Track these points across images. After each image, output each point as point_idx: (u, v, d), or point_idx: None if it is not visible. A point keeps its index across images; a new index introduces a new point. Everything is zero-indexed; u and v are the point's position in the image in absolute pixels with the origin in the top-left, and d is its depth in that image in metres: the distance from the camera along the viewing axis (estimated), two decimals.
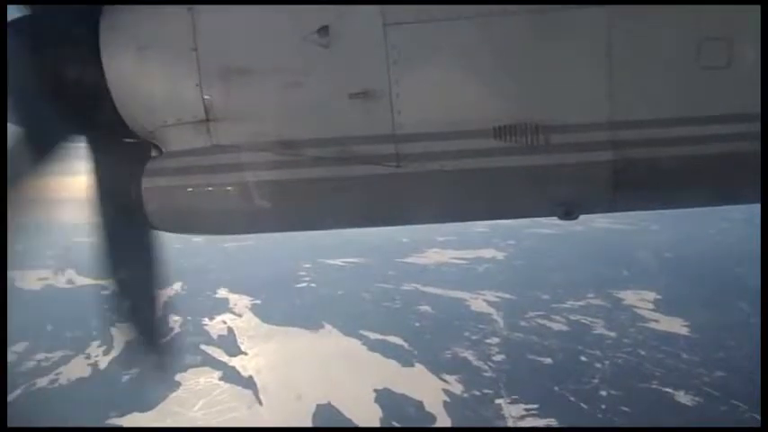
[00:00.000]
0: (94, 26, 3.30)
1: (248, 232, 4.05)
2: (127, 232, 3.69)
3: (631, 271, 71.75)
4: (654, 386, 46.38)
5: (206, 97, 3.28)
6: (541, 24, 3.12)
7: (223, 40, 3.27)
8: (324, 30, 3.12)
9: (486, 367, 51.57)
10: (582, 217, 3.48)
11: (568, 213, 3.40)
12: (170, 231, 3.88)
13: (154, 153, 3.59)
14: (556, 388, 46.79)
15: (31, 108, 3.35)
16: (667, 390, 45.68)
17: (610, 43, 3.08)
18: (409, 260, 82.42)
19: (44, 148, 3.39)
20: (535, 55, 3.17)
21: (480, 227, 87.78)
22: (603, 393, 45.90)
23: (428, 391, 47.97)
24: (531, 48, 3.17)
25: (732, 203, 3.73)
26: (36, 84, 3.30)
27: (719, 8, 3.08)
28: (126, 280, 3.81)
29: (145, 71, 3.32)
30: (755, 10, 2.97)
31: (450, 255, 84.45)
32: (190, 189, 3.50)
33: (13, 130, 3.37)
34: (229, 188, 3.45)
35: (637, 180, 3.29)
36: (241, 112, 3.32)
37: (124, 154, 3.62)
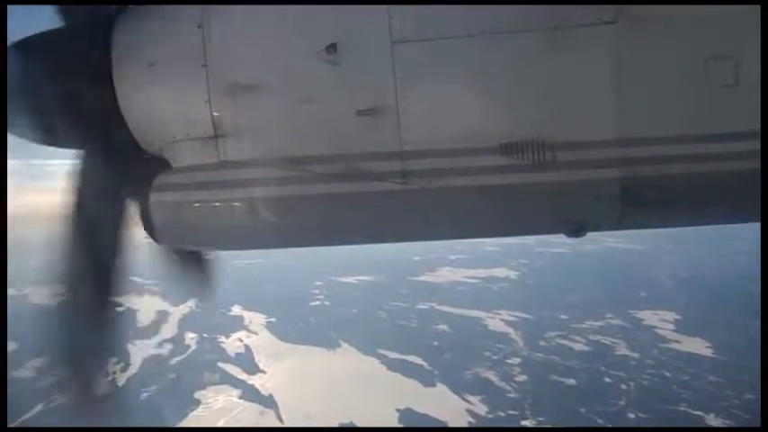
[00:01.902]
0: (106, 41, 3.36)
1: (256, 248, 4.06)
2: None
3: (648, 291, 70.42)
4: (682, 408, 45.30)
5: (215, 113, 3.30)
6: (548, 42, 3.10)
7: (232, 57, 3.30)
8: (332, 47, 3.13)
9: (510, 388, 50.68)
10: (593, 236, 3.41)
11: (576, 231, 3.35)
12: (177, 246, 3.90)
13: (162, 168, 3.60)
14: (582, 410, 45.82)
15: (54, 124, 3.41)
16: (697, 413, 44.55)
17: (617, 60, 3.05)
18: (422, 278, 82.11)
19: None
20: (542, 72, 3.14)
21: (491, 245, 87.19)
22: (632, 416, 44.86)
23: (451, 411, 47.26)
24: (539, 65, 3.14)
25: (742, 221, 3.64)
26: (48, 99, 3.36)
27: (728, 25, 3.05)
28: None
29: (154, 87, 3.35)
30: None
31: (463, 273, 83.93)
32: (198, 204, 3.50)
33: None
34: (237, 204, 3.46)
35: (645, 198, 3.22)
36: (249, 129, 3.34)
37: (133, 169, 3.64)
